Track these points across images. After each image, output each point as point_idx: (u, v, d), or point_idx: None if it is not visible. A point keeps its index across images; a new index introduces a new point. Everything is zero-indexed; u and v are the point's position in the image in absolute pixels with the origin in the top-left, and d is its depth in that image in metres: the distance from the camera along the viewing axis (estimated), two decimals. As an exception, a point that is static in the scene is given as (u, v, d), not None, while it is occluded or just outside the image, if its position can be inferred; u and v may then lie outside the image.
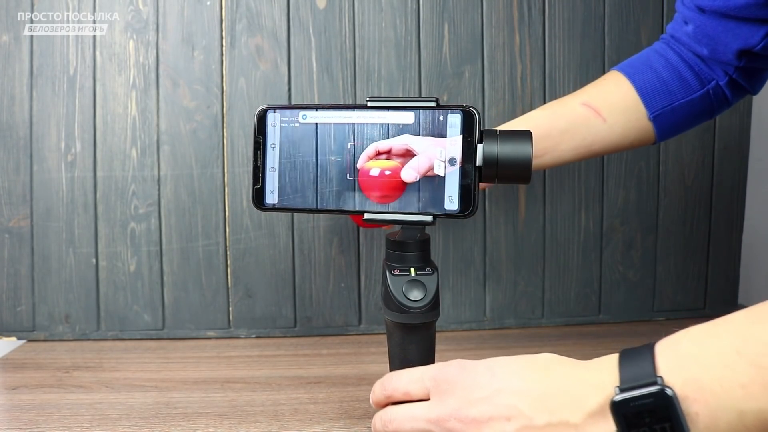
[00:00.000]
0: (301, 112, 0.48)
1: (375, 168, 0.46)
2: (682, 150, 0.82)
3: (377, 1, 0.76)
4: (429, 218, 0.46)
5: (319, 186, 0.47)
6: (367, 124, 0.46)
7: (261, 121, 0.48)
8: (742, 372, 0.32)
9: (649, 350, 0.35)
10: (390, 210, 0.46)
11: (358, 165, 0.46)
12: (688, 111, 0.60)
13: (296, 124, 0.48)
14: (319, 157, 0.47)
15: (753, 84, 0.60)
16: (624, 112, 0.60)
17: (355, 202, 0.47)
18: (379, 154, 0.46)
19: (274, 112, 0.48)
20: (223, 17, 0.75)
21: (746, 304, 0.91)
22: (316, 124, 0.47)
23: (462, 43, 0.77)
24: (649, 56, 0.61)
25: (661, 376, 0.33)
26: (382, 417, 0.43)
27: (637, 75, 0.60)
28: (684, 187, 0.82)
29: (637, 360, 0.35)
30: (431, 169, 0.45)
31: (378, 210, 0.46)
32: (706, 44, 0.57)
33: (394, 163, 0.46)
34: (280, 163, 0.48)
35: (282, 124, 0.48)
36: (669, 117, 0.60)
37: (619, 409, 0.34)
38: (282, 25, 0.76)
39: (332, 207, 0.47)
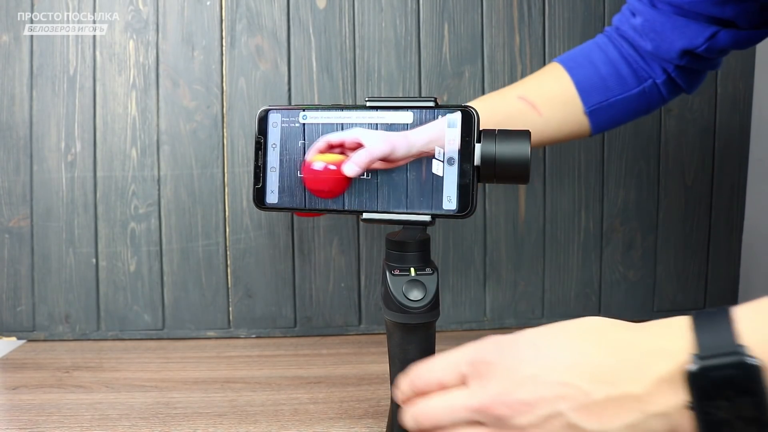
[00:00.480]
0: (301, 113, 0.48)
1: (319, 162, 0.46)
2: (682, 150, 0.82)
3: (377, 1, 0.76)
4: (427, 218, 0.46)
5: None
6: (366, 124, 0.46)
7: (262, 121, 0.48)
8: None
9: (725, 315, 0.32)
10: (388, 210, 0.46)
11: (306, 158, 0.46)
12: (623, 107, 0.61)
13: (296, 124, 0.48)
14: None
15: (690, 84, 0.61)
16: (561, 106, 0.60)
17: (353, 201, 0.47)
18: (332, 147, 0.45)
19: (275, 112, 0.48)
20: (223, 17, 0.75)
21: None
22: (315, 124, 0.47)
23: (462, 43, 0.77)
24: (590, 50, 0.62)
25: (743, 345, 0.30)
26: (413, 412, 0.38)
27: (576, 69, 0.60)
28: (684, 187, 0.82)
29: (714, 325, 0.31)
30: (373, 162, 0.45)
31: (375, 210, 0.46)
32: (652, 39, 0.57)
33: (340, 157, 0.46)
34: (280, 162, 0.48)
35: (282, 125, 0.48)
36: (605, 112, 0.60)
37: (696, 379, 0.30)
38: (282, 25, 0.76)
39: (330, 207, 0.47)
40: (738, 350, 0.30)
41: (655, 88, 0.60)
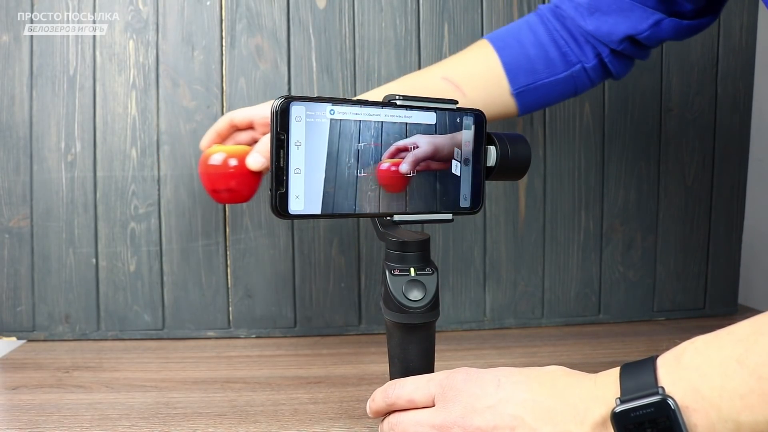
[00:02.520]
0: (329, 107, 0.42)
1: (385, 162, 0.46)
2: (682, 150, 0.82)
3: (377, 1, 0.76)
4: (449, 216, 0.48)
5: (358, 188, 0.44)
6: (392, 123, 0.45)
7: (284, 114, 0.41)
8: (742, 382, 0.31)
9: (650, 362, 0.35)
10: (414, 211, 0.47)
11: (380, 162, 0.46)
12: (550, 90, 0.61)
13: (323, 120, 0.42)
14: (350, 157, 0.44)
15: (619, 70, 0.61)
16: (486, 87, 0.60)
17: (384, 205, 0.46)
18: (399, 151, 0.46)
19: (298, 104, 0.41)
20: (223, 17, 0.75)
21: (746, 304, 0.91)
22: (346, 120, 0.43)
23: (462, 43, 0.77)
24: (521, 30, 0.61)
25: (662, 387, 0.33)
26: (389, 420, 0.44)
27: (505, 50, 0.60)
28: (684, 187, 0.82)
29: (638, 372, 0.35)
30: (419, 162, 0.46)
31: (403, 211, 0.47)
32: (596, 19, 0.57)
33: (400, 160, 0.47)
34: (306, 163, 0.42)
35: (308, 119, 0.42)
36: (531, 94, 0.61)
37: (620, 420, 0.34)
38: (282, 25, 0.76)
39: (363, 211, 0.45)
40: (656, 392, 0.33)
41: (583, 72, 0.61)
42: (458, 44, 0.77)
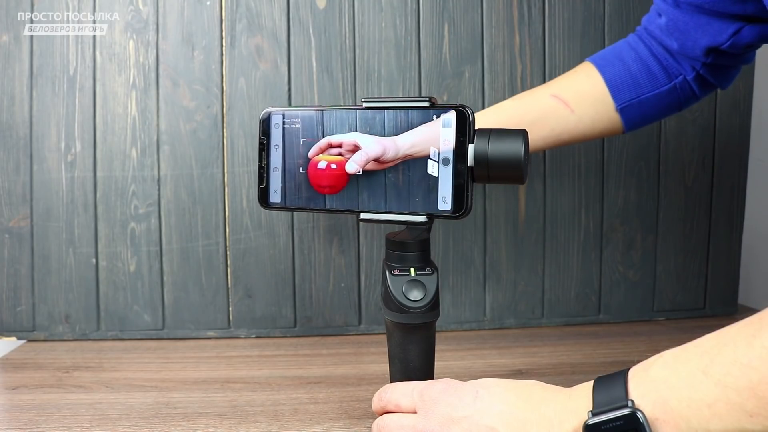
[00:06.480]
0: (300, 113, 0.49)
1: (323, 161, 0.48)
2: (682, 150, 0.82)
3: (377, 1, 0.76)
4: (422, 218, 0.46)
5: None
6: (364, 124, 0.47)
7: (265, 123, 0.50)
8: (707, 392, 0.32)
9: (622, 376, 0.37)
10: (385, 210, 0.47)
11: (309, 155, 0.49)
12: (654, 104, 0.61)
13: (296, 126, 0.49)
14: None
15: (720, 80, 0.61)
16: (592, 103, 0.61)
17: (352, 202, 0.47)
18: (332, 147, 0.48)
19: (277, 114, 0.50)
20: (223, 17, 0.75)
21: (746, 304, 0.91)
22: (312, 125, 0.49)
23: (462, 43, 0.77)
24: (621, 49, 0.62)
25: (632, 400, 0.35)
26: (378, 423, 0.46)
27: (607, 67, 0.61)
28: (684, 187, 0.82)
29: (610, 385, 0.36)
30: (369, 161, 0.47)
31: (374, 210, 0.47)
32: (677, 38, 0.58)
33: (340, 158, 0.48)
34: (282, 163, 0.49)
35: (284, 126, 0.49)
36: (636, 109, 0.61)
37: None
38: (282, 25, 0.76)
39: (330, 207, 0.48)
40: (626, 404, 0.35)
41: (686, 84, 0.60)
42: (458, 44, 0.77)
